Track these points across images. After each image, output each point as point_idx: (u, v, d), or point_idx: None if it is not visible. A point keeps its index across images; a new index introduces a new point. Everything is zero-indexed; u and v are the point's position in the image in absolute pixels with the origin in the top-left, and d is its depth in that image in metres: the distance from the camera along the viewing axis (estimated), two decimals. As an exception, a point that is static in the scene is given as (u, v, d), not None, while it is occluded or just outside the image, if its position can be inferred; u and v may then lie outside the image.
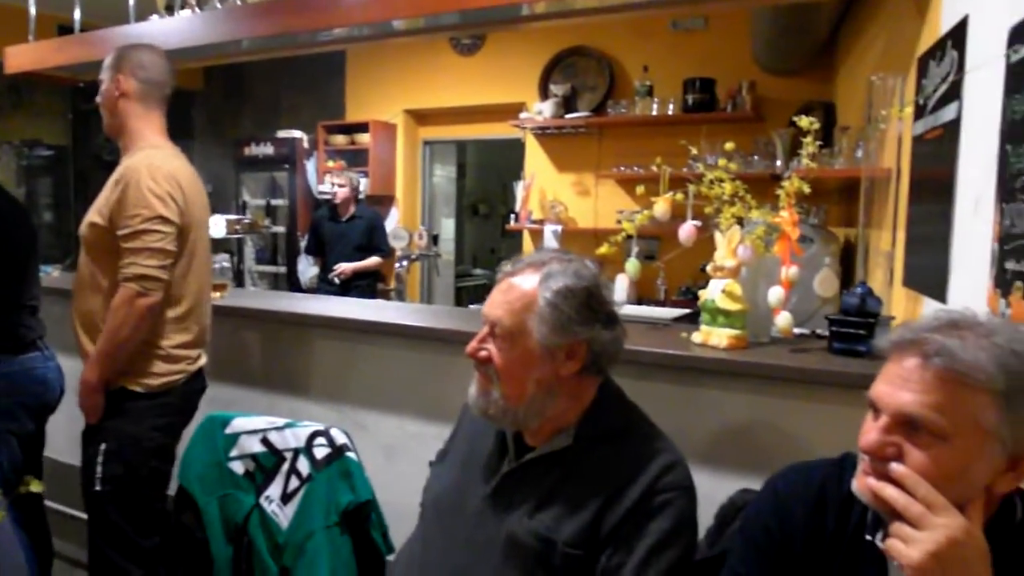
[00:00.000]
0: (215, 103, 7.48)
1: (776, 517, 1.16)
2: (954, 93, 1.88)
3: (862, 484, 1.01)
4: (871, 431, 1.00)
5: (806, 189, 1.93)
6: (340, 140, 6.50)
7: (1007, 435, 0.93)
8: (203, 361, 2.30)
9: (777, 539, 1.14)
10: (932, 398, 0.94)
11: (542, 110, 5.51)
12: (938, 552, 0.90)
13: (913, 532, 0.92)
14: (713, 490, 1.55)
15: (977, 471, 0.95)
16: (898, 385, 0.97)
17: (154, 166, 2.06)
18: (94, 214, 2.10)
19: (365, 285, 5.41)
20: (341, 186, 5.40)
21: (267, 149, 6.53)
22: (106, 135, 2.27)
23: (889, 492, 0.95)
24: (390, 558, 1.60)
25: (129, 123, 2.19)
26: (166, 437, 2.17)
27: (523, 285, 1.34)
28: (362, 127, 6.40)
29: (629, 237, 2.15)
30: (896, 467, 0.95)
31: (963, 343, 0.94)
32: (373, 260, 5.42)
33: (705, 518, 1.49)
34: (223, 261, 2.99)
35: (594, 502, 1.29)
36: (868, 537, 1.08)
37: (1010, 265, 1.40)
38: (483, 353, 1.36)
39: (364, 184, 6.18)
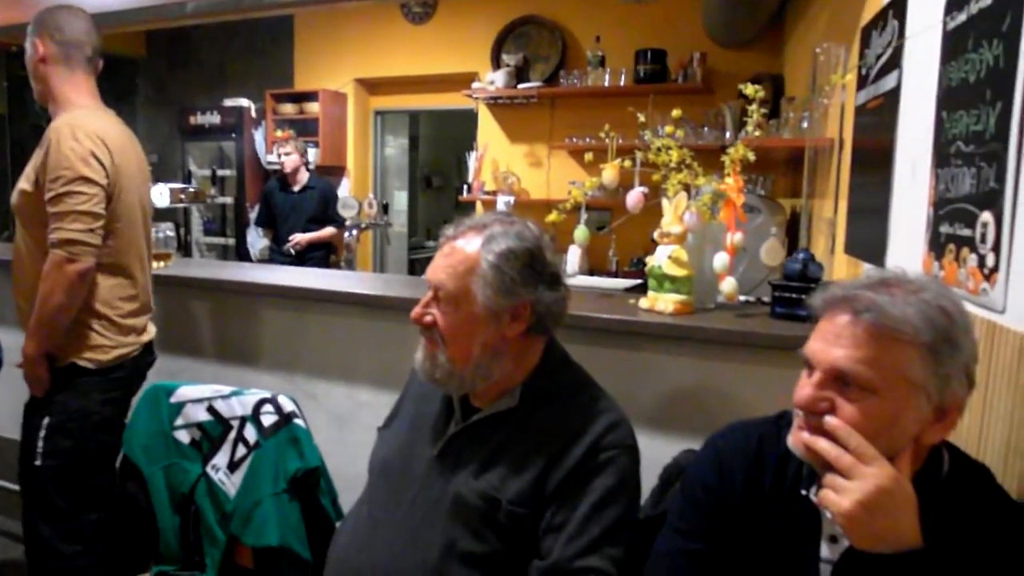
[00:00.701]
0: (159, 70, 7.26)
1: (716, 474, 1.18)
2: (894, 62, 1.92)
3: (796, 439, 1.04)
4: (805, 387, 1.02)
5: (751, 156, 1.96)
6: (289, 109, 6.38)
7: (933, 387, 0.96)
8: (152, 332, 2.25)
9: (716, 495, 1.17)
10: (862, 353, 0.97)
11: (494, 80, 5.47)
12: (867, 500, 0.93)
13: (844, 482, 0.95)
14: (658, 452, 1.58)
15: (905, 423, 0.98)
16: (830, 341, 1.00)
17: (76, 125, 1.98)
18: (23, 181, 2.02)
19: (320, 256, 5.35)
20: (288, 154, 5.30)
21: (213, 118, 6.38)
22: (38, 103, 2.19)
23: (821, 444, 0.98)
24: (339, 524, 1.60)
25: (54, 87, 2.10)
26: (114, 411, 2.12)
27: (466, 248, 1.34)
28: (311, 96, 6.29)
29: (578, 207, 2.16)
30: (829, 420, 0.98)
31: (892, 299, 0.97)
32: (328, 231, 5.35)
33: (651, 479, 1.52)
34: (167, 230, 2.91)
35: (538, 461, 1.30)
36: (803, 492, 1.11)
37: (944, 229, 1.45)
38: (428, 318, 1.36)
39: (314, 154, 6.09)
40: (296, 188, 5.37)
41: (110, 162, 2.01)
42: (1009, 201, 1.17)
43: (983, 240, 1.25)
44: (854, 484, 0.94)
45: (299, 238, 5.24)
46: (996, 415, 1.19)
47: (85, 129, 1.98)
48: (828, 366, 0.99)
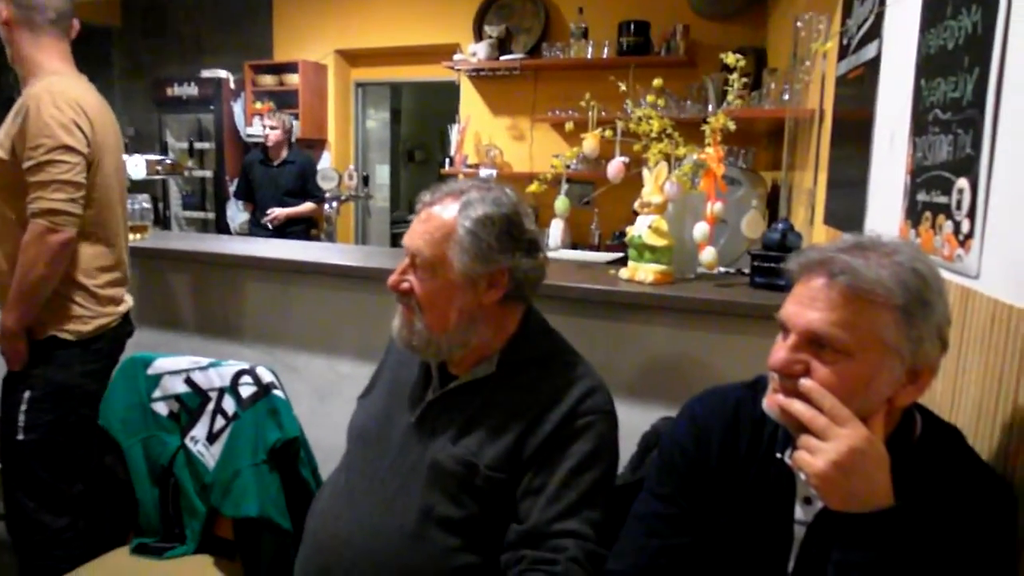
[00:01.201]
0: (134, 40, 7.12)
1: (692, 438, 1.19)
2: (875, 32, 1.91)
3: (771, 401, 1.04)
4: (780, 350, 1.03)
5: (731, 126, 1.95)
6: (268, 81, 6.29)
7: (907, 349, 0.97)
8: (130, 302, 2.23)
9: (693, 459, 1.18)
10: (837, 315, 0.97)
11: (476, 52, 5.42)
12: (840, 461, 0.94)
13: (818, 443, 0.96)
14: (638, 420, 1.59)
15: (879, 384, 0.98)
16: (805, 304, 1.00)
17: (55, 92, 1.94)
18: None
19: (299, 231, 5.30)
20: (273, 128, 5.24)
21: (191, 89, 6.28)
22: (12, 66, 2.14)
23: (796, 407, 0.99)
24: (317, 492, 1.59)
25: (22, 51, 2.06)
26: (95, 383, 2.09)
27: (442, 214, 1.33)
28: (291, 67, 6.20)
29: (559, 178, 2.16)
30: (804, 382, 0.98)
31: (866, 262, 0.97)
32: (307, 206, 5.30)
33: (630, 447, 1.53)
34: (143, 202, 2.87)
35: (516, 426, 1.30)
36: (778, 455, 1.12)
37: (921, 197, 1.45)
38: (405, 285, 1.36)
39: (295, 127, 6.02)
40: (276, 161, 5.31)
41: (90, 130, 1.98)
42: (985, 167, 1.17)
43: (959, 207, 1.26)
44: (828, 445, 0.95)
45: (276, 212, 5.18)
46: (969, 379, 1.20)
47: (65, 97, 1.94)
48: (803, 329, 1.00)
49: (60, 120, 1.91)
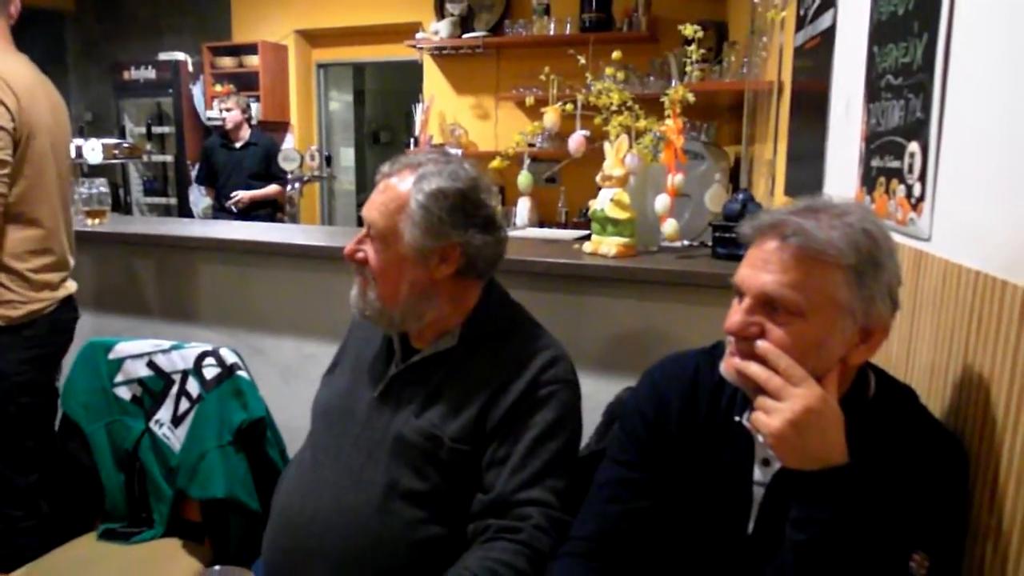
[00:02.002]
0: (88, 24, 6.97)
1: (652, 405, 1.20)
2: (830, 1, 1.93)
3: (728, 365, 1.06)
4: (735, 313, 1.04)
5: (690, 97, 1.96)
6: (227, 63, 6.19)
7: (859, 309, 0.99)
8: (71, 287, 2.15)
9: (653, 425, 1.19)
10: (790, 277, 0.98)
11: (438, 30, 5.38)
12: (796, 419, 0.95)
13: (773, 403, 0.98)
14: (603, 392, 1.60)
15: (832, 344, 1.00)
16: (759, 267, 1.01)
17: None
18: None
19: (265, 215, 5.25)
20: (229, 110, 5.18)
21: (148, 73, 6.15)
22: None
23: (752, 368, 1.00)
24: (284, 470, 1.59)
25: None
26: (36, 371, 2.04)
27: (398, 186, 1.32)
28: (250, 48, 6.11)
29: (521, 154, 2.15)
30: (759, 343, 1.00)
31: (818, 223, 0.98)
32: (272, 188, 5.25)
33: (595, 419, 1.55)
34: (101, 186, 2.81)
35: (479, 398, 1.31)
36: (737, 418, 1.13)
37: (875, 163, 1.47)
38: (360, 255, 1.35)
39: (256, 109, 5.93)
40: (238, 144, 5.24)
41: (16, 106, 1.90)
42: (935, 130, 1.19)
43: (910, 170, 1.27)
44: (783, 404, 0.96)
45: (241, 195, 5.12)
46: (922, 339, 1.23)
47: None
48: (757, 291, 1.01)
49: None
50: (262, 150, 5.26)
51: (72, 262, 2.17)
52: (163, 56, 6.22)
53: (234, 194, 5.12)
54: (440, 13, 5.50)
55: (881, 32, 1.48)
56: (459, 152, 5.38)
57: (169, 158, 6.32)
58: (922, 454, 1.03)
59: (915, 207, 1.26)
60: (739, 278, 1.05)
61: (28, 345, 2.01)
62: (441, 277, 1.33)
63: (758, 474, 1.12)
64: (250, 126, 5.33)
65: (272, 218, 5.30)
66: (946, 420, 1.11)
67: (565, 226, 4.96)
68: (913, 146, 1.26)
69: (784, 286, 0.98)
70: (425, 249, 1.30)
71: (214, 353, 1.90)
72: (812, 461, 0.97)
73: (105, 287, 2.76)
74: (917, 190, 1.25)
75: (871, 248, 0.98)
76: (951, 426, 1.10)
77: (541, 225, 4.46)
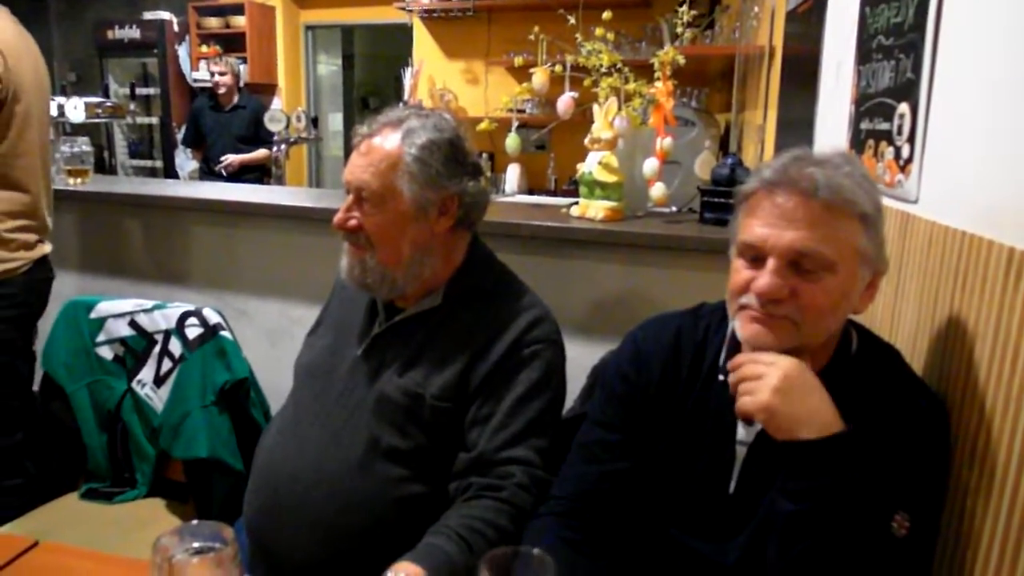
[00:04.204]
0: (71, -19, 6.84)
1: (634, 365, 1.19)
2: (824, -37, 1.90)
3: (754, 331, 1.01)
4: (764, 275, 0.99)
5: (680, 60, 1.94)
6: (213, 23, 6.09)
7: (873, 255, 0.99)
8: (47, 248, 2.11)
9: (634, 386, 1.18)
10: (819, 231, 0.96)
11: (429, -8, 5.30)
12: (779, 386, 0.95)
13: (754, 383, 0.97)
14: (588, 355, 1.59)
15: (853, 294, 1.00)
16: (781, 225, 0.98)
17: None
18: None
19: (254, 180, 5.18)
20: (222, 74, 5.09)
21: (133, 32, 6.06)
22: None
23: (746, 370, 1.00)
24: (265, 428, 1.58)
25: None
26: (12, 330, 2.02)
27: (384, 145, 1.30)
28: (237, 8, 6.01)
29: (509, 114, 2.13)
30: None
31: (833, 174, 0.97)
32: (260, 152, 5.17)
33: (580, 381, 1.54)
34: (83, 145, 2.77)
35: (463, 357, 1.30)
36: (720, 377, 1.12)
37: (864, 125, 1.46)
38: (352, 222, 1.32)
39: (243, 71, 5.85)
40: (227, 107, 5.17)
41: (3, 64, 1.86)
42: (925, 91, 1.18)
43: (899, 132, 1.26)
44: (764, 380, 0.96)
45: (231, 159, 5.05)
46: (907, 300, 1.23)
47: None
48: (785, 248, 0.97)
49: None
50: (250, 113, 5.18)
51: (50, 223, 2.14)
52: (147, 16, 6.11)
53: (224, 158, 5.06)
54: (431, -26, 5.42)
55: (874, -8, 1.46)
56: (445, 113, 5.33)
57: (154, 120, 6.25)
58: (904, 412, 1.02)
59: (903, 169, 1.25)
60: (756, 237, 1.00)
61: (3, 305, 1.99)
62: (440, 230, 1.32)
63: (741, 433, 1.11)
64: (239, 90, 5.26)
65: (260, 182, 5.23)
66: (929, 380, 1.11)
67: (555, 193, 4.94)
68: (903, 107, 1.25)
69: (817, 240, 0.96)
70: (425, 202, 1.29)
71: (196, 313, 1.88)
72: (806, 428, 0.95)
73: (89, 248, 2.73)
74: (906, 152, 1.24)
75: (875, 192, 0.99)
76: (934, 386, 1.10)
77: (530, 192, 4.44)
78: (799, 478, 0.96)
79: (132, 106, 5.83)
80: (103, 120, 4.38)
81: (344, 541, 1.28)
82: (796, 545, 0.96)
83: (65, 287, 2.18)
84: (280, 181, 4.18)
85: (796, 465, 0.97)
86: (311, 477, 1.31)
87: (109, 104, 3.92)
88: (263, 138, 5.15)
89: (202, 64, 5.91)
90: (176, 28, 6.12)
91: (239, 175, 5.10)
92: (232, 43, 5.98)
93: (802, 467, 0.96)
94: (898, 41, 1.29)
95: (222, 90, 5.12)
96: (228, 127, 5.17)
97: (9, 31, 1.94)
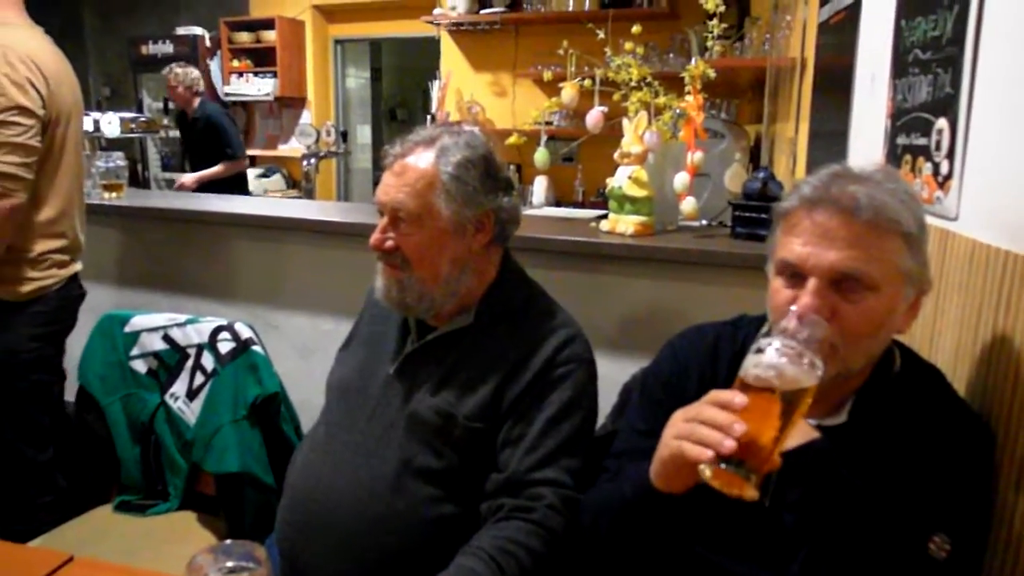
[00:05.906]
0: (105, -1, 6.97)
1: (673, 372, 1.18)
2: (857, -26, 1.88)
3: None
4: (805, 296, 0.96)
5: (711, 73, 1.93)
6: (244, 38, 6.18)
7: (916, 274, 0.97)
8: (78, 266, 2.13)
9: (672, 390, 1.16)
10: (862, 251, 0.94)
11: (456, 5, 5.31)
12: None
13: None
14: (618, 372, 1.58)
15: (896, 315, 0.98)
16: (824, 245, 0.96)
17: (7, 46, 1.82)
18: None
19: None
20: (173, 87, 4.67)
21: (166, 47, 6.16)
22: None
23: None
24: (298, 445, 1.59)
25: None
26: (46, 347, 2.05)
27: (419, 164, 1.30)
28: (267, 24, 6.09)
29: (537, 128, 2.13)
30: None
31: (876, 192, 0.95)
32: (216, 169, 4.68)
33: (611, 399, 1.53)
34: (118, 159, 2.81)
35: (495, 377, 1.29)
36: None
37: (901, 140, 1.44)
38: (389, 243, 1.32)
39: (272, 85, 5.92)
40: (190, 120, 4.77)
41: (46, 89, 1.88)
42: (964, 106, 1.16)
43: (938, 148, 1.24)
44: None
45: (184, 180, 4.62)
46: (947, 321, 1.20)
47: (18, 52, 1.83)
48: (828, 268, 0.95)
49: (14, 79, 1.81)
50: (203, 123, 4.70)
51: (83, 241, 2.17)
52: (180, 31, 6.22)
53: (179, 178, 4.66)
54: (458, -12, 5.44)
55: (909, 5, 1.44)
56: (476, 130, 5.35)
57: (186, 134, 6.33)
58: (946, 433, 1.00)
59: (942, 185, 1.23)
60: (796, 256, 0.98)
61: (36, 322, 2.02)
62: (477, 247, 1.33)
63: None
64: (198, 96, 4.75)
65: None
66: (972, 401, 1.09)
67: (582, 205, 4.93)
68: (941, 122, 1.23)
69: (860, 261, 0.94)
70: (463, 220, 1.29)
71: (229, 328, 1.90)
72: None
73: (123, 261, 2.77)
74: (944, 168, 1.22)
75: (919, 210, 0.97)
76: (978, 407, 1.07)
77: (558, 204, 4.44)
78: (794, 486, 0.97)
79: (165, 120, 5.90)
80: (137, 135, 4.43)
81: (375, 560, 1.28)
82: (821, 567, 0.95)
83: (100, 300, 2.21)
84: (310, 195, 4.21)
85: (789, 474, 0.95)
86: (343, 496, 1.31)
87: (143, 119, 3.99)
88: (221, 150, 4.71)
89: (233, 78, 5.98)
90: (208, 43, 6.21)
91: (202, 192, 4.52)
92: (263, 58, 6.07)
93: (794, 475, 0.96)
94: (936, 55, 1.27)
95: (173, 104, 4.79)
96: (191, 141, 4.82)
97: (48, 55, 1.96)
